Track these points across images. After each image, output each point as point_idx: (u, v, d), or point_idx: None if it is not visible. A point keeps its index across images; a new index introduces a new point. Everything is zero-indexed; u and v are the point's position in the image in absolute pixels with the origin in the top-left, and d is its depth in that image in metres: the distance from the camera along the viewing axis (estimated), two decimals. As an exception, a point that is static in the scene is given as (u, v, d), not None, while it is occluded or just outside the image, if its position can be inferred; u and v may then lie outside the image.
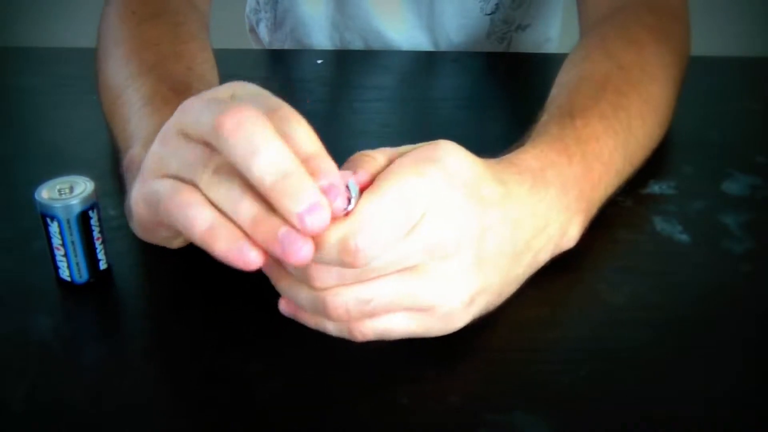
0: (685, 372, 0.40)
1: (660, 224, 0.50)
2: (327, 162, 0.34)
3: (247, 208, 0.33)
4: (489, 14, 0.81)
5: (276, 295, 0.39)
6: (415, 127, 0.62)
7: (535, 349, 0.40)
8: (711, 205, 0.52)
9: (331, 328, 0.38)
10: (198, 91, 0.50)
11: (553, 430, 0.37)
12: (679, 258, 0.48)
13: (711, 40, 0.83)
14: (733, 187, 0.54)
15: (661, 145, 0.55)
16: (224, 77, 0.70)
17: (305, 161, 0.33)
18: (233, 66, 0.73)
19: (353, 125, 0.63)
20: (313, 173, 0.33)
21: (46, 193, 0.42)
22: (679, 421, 0.38)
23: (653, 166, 0.54)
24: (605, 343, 0.42)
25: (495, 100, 0.69)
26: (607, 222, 0.49)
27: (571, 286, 0.39)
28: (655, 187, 0.54)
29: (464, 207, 0.37)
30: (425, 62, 0.74)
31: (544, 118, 0.49)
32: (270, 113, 0.34)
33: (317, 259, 0.34)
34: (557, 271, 0.44)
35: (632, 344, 0.42)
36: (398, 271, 0.37)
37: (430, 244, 0.36)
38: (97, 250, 0.44)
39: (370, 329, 0.38)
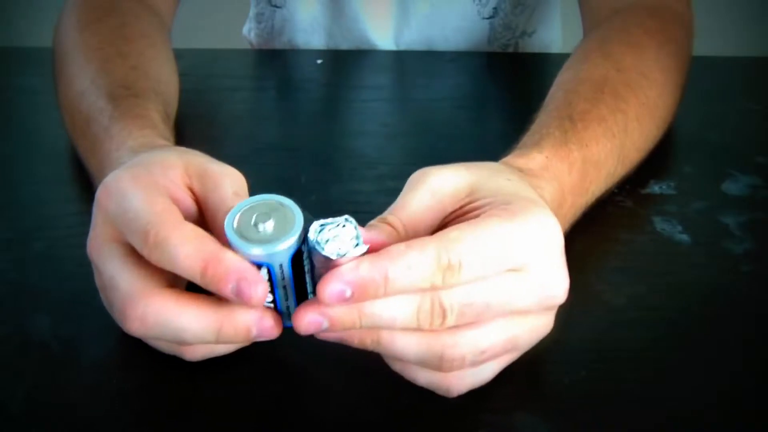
0: (685, 372, 0.40)
1: (660, 224, 0.50)
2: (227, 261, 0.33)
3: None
4: (487, 18, 0.80)
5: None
6: (415, 127, 0.62)
7: (535, 350, 0.40)
8: (711, 205, 0.52)
9: (421, 377, 0.37)
10: (142, 89, 0.50)
11: (553, 430, 0.37)
12: (679, 258, 0.48)
13: (711, 40, 0.83)
14: (733, 187, 0.54)
15: (661, 145, 0.55)
16: (224, 77, 0.70)
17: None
18: (233, 66, 0.73)
19: (353, 125, 0.63)
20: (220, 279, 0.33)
21: (239, 226, 0.34)
22: (679, 421, 0.38)
23: (653, 166, 0.54)
24: (605, 344, 0.42)
25: (495, 100, 0.69)
26: (607, 222, 0.49)
27: (571, 286, 0.39)
28: (655, 187, 0.54)
29: (562, 263, 0.37)
30: (425, 62, 0.74)
31: (542, 117, 0.49)
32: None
33: (411, 283, 0.33)
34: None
35: (632, 344, 0.42)
36: (506, 315, 0.35)
37: (543, 293, 0.36)
38: (307, 284, 0.36)
39: (469, 382, 0.37)
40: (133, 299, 0.34)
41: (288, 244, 0.33)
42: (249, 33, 0.93)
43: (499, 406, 0.38)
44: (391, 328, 0.34)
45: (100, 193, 0.37)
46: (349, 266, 0.32)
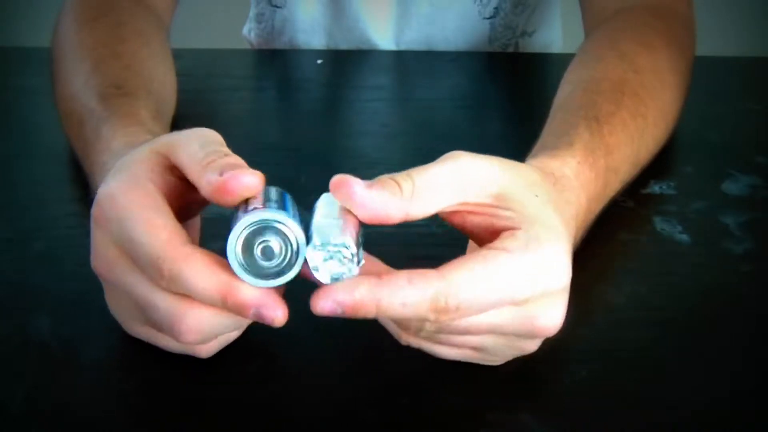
0: (686, 372, 0.40)
1: (660, 224, 0.50)
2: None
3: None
4: (488, 18, 0.80)
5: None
6: (415, 127, 0.62)
7: (535, 350, 0.40)
8: (711, 205, 0.52)
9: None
10: (133, 88, 0.50)
11: (553, 430, 0.37)
12: (679, 258, 0.48)
13: (711, 40, 0.83)
14: (733, 187, 0.54)
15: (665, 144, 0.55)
16: (224, 77, 0.70)
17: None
18: (233, 66, 0.73)
19: (353, 125, 0.63)
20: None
21: (246, 260, 0.33)
22: (680, 421, 0.38)
23: (653, 166, 0.54)
24: (605, 344, 0.42)
25: (495, 100, 0.69)
26: (608, 222, 0.49)
27: (572, 286, 0.39)
28: (656, 187, 0.54)
29: (564, 300, 0.37)
30: (425, 62, 0.74)
31: (568, 118, 0.47)
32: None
33: (403, 316, 0.33)
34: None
35: (632, 344, 0.42)
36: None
37: (534, 327, 0.36)
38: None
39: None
40: (179, 316, 0.34)
41: (297, 270, 0.34)
42: (249, 33, 0.93)
43: (499, 406, 0.38)
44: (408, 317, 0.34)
45: (95, 212, 0.36)
46: (345, 286, 0.33)
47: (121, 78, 0.51)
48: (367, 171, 0.56)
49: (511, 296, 0.34)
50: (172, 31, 0.67)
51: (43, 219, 0.51)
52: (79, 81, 0.52)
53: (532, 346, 0.38)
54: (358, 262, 0.33)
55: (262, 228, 0.33)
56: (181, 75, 0.60)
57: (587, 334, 0.42)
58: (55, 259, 0.47)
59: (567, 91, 0.52)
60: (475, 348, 0.37)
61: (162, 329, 0.36)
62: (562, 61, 0.56)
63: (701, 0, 0.67)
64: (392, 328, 0.37)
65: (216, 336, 0.37)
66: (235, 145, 0.63)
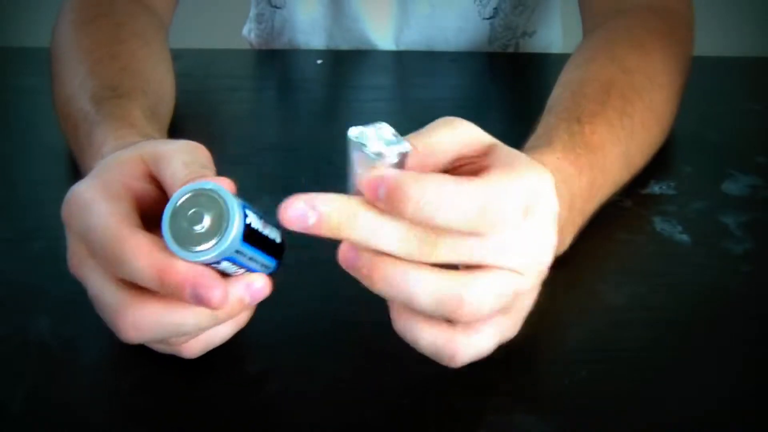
0: (685, 372, 0.40)
1: (660, 224, 0.50)
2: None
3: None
4: (487, 19, 0.80)
5: (277, 295, 0.39)
6: (415, 127, 0.62)
7: (535, 350, 0.40)
8: (711, 205, 0.52)
9: (425, 340, 0.35)
10: (128, 89, 0.50)
11: (553, 430, 0.37)
12: (679, 258, 0.48)
13: (711, 40, 0.83)
14: (733, 187, 0.54)
15: (660, 146, 0.55)
16: (224, 77, 0.70)
17: None
18: (233, 66, 0.73)
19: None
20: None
21: (177, 234, 0.33)
22: (680, 421, 0.38)
23: (653, 166, 0.54)
24: (605, 344, 0.42)
25: (494, 100, 0.69)
26: (607, 222, 0.49)
27: (571, 286, 0.39)
28: (655, 187, 0.54)
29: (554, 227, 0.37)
30: (425, 62, 0.74)
31: (551, 119, 0.48)
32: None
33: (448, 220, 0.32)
34: (557, 272, 0.44)
35: (632, 344, 0.42)
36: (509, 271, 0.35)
37: (537, 251, 0.36)
38: (269, 238, 0.36)
39: (474, 350, 0.36)
40: (121, 310, 0.35)
41: (231, 237, 0.33)
42: (249, 34, 0.93)
43: (499, 406, 0.38)
44: (378, 248, 0.33)
45: (63, 210, 0.37)
46: (394, 171, 0.33)
47: (117, 79, 0.51)
48: (367, 171, 0.56)
49: (526, 205, 0.34)
50: (171, 31, 0.67)
51: (43, 219, 0.51)
52: (75, 83, 0.52)
53: (537, 284, 0.37)
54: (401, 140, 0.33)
55: (196, 196, 0.33)
56: (181, 75, 0.60)
57: (587, 334, 0.42)
58: (55, 259, 0.47)
59: (556, 93, 0.52)
60: (509, 300, 0.35)
61: (108, 324, 0.36)
62: (562, 61, 0.56)
63: (701, 0, 0.67)
64: (441, 343, 0.35)
65: (158, 339, 0.37)
66: (235, 145, 0.63)
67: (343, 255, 0.34)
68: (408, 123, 0.63)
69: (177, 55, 0.61)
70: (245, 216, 0.34)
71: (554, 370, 0.40)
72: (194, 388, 0.39)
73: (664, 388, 0.39)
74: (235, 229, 0.33)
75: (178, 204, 0.34)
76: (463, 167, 0.37)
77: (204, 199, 0.33)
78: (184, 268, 0.33)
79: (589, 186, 0.45)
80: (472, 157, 0.37)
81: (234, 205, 0.33)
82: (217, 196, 0.33)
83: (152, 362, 0.40)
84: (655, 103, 0.53)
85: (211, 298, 0.33)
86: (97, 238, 0.35)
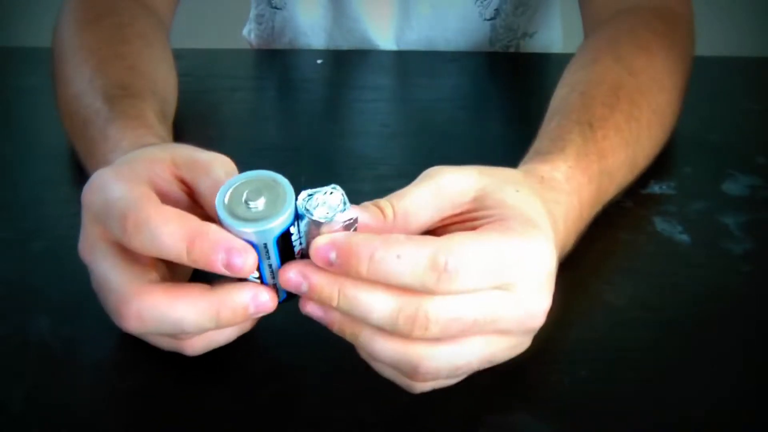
0: (686, 372, 0.40)
1: (660, 224, 0.50)
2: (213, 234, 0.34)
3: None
4: (488, 20, 0.80)
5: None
6: (415, 128, 0.62)
7: (535, 350, 0.40)
8: (711, 205, 0.52)
9: (388, 372, 0.37)
10: (139, 90, 0.50)
11: (553, 430, 0.37)
12: (679, 258, 0.48)
13: (711, 40, 0.83)
14: (733, 187, 0.54)
15: (663, 148, 0.55)
16: (224, 78, 0.70)
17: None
18: (233, 67, 0.73)
19: (353, 125, 0.63)
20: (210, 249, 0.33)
21: (230, 202, 0.34)
22: (680, 421, 0.38)
23: (653, 166, 0.54)
24: (605, 344, 0.42)
25: (495, 100, 0.69)
26: (608, 222, 0.49)
27: (572, 286, 0.39)
28: (655, 187, 0.54)
29: (550, 286, 0.37)
30: (425, 62, 0.74)
31: (562, 121, 0.48)
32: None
33: (398, 274, 0.32)
34: (557, 272, 0.44)
35: (632, 344, 0.42)
36: (488, 333, 0.35)
37: (526, 314, 0.35)
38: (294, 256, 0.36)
39: (433, 386, 0.37)
40: (126, 298, 0.35)
41: (277, 223, 0.33)
42: (249, 34, 0.93)
43: (499, 406, 0.38)
44: (366, 319, 0.34)
45: (84, 192, 0.37)
46: (342, 234, 0.33)
47: (127, 79, 0.51)
48: (367, 171, 0.56)
49: (502, 270, 0.34)
50: (172, 31, 0.67)
51: (43, 219, 0.51)
52: (82, 81, 0.52)
53: (526, 342, 0.37)
54: (348, 208, 0.34)
55: (257, 180, 0.34)
56: (182, 75, 0.60)
57: (587, 334, 0.42)
58: (55, 259, 0.47)
59: (562, 93, 0.52)
60: (481, 364, 0.36)
61: (111, 313, 0.36)
62: (562, 61, 0.56)
63: (701, 0, 0.67)
64: (402, 381, 0.37)
65: (158, 332, 0.37)
66: (235, 145, 0.63)
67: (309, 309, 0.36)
68: (408, 123, 0.63)
69: (177, 55, 0.61)
70: (293, 222, 0.34)
71: (554, 370, 0.40)
72: (194, 388, 0.39)
73: (664, 388, 0.39)
74: (285, 217, 0.33)
75: (241, 182, 0.34)
76: (454, 225, 0.37)
77: (268, 186, 0.34)
78: (218, 233, 0.33)
79: (597, 192, 0.46)
80: (462, 213, 0.37)
81: (293, 199, 0.34)
82: (281, 189, 0.34)
83: (152, 362, 0.40)
84: (660, 106, 0.53)
85: (243, 264, 0.33)
86: (118, 206, 0.34)
